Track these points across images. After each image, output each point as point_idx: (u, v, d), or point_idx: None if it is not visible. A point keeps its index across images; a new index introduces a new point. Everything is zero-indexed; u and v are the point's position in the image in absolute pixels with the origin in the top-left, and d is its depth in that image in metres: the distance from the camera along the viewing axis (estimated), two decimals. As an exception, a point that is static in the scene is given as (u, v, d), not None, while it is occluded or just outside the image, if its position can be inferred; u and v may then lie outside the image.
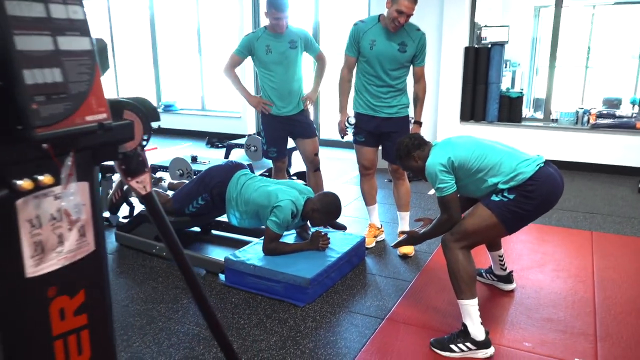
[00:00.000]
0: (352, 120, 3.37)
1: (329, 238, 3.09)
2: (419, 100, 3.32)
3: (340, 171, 5.83)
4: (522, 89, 6.38)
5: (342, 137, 3.44)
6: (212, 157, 6.41)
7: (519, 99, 5.87)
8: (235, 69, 3.59)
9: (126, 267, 3.21)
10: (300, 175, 4.70)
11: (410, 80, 3.32)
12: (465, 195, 2.51)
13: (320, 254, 3.02)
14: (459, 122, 6.07)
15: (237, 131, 7.65)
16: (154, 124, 1.22)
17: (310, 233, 3.17)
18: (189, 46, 8.37)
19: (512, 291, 2.87)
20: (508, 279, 2.88)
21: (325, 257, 2.98)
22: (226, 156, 6.53)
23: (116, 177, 3.77)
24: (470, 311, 2.27)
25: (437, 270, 3.12)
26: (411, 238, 2.62)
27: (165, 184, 3.77)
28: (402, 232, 2.76)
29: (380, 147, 3.46)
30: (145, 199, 1.27)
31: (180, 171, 4.90)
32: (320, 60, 3.71)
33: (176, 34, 8.63)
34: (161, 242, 3.34)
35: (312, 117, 3.79)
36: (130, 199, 3.70)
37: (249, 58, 3.56)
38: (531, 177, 2.24)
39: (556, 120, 5.86)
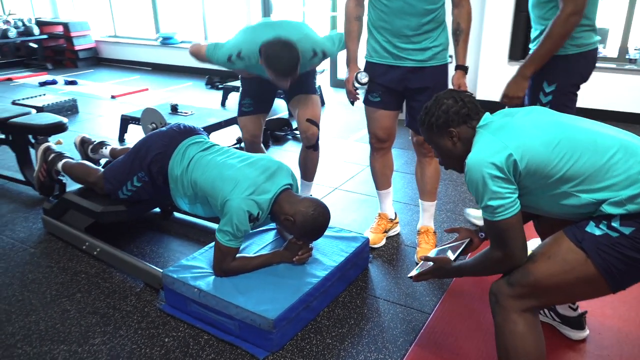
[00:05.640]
0: (364, 79, 2.30)
1: (310, 248, 2.13)
2: (462, 34, 2.20)
3: (351, 124, 4.76)
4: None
5: (352, 103, 2.40)
6: (201, 104, 5.40)
7: (587, 33, 4.55)
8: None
9: (42, 272, 2.37)
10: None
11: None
12: (529, 212, 1.50)
13: (298, 272, 2.08)
14: (506, 61, 4.85)
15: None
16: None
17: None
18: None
19: (582, 341, 1.90)
20: (579, 322, 1.89)
21: (305, 277, 2.04)
22: (223, 102, 5.52)
23: (39, 150, 2.79)
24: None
25: (470, 295, 2.16)
26: (440, 269, 1.64)
27: (107, 150, 2.78)
28: (425, 259, 1.71)
29: (403, 111, 2.41)
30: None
31: (154, 125, 3.95)
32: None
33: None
34: (94, 237, 2.47)
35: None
36: (59, 177, 2.75)
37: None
38: None
39: (635, 61, 4.56)
